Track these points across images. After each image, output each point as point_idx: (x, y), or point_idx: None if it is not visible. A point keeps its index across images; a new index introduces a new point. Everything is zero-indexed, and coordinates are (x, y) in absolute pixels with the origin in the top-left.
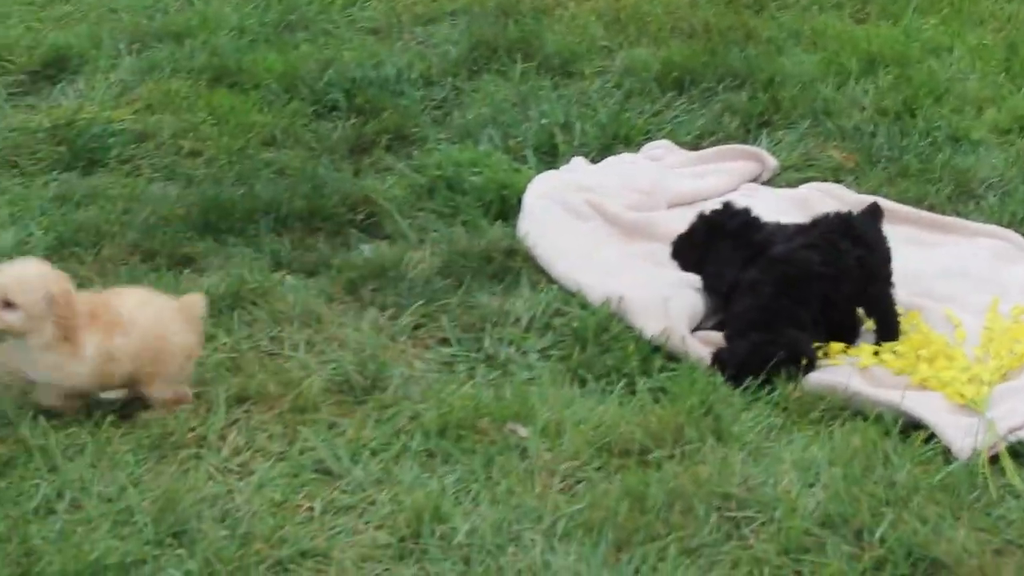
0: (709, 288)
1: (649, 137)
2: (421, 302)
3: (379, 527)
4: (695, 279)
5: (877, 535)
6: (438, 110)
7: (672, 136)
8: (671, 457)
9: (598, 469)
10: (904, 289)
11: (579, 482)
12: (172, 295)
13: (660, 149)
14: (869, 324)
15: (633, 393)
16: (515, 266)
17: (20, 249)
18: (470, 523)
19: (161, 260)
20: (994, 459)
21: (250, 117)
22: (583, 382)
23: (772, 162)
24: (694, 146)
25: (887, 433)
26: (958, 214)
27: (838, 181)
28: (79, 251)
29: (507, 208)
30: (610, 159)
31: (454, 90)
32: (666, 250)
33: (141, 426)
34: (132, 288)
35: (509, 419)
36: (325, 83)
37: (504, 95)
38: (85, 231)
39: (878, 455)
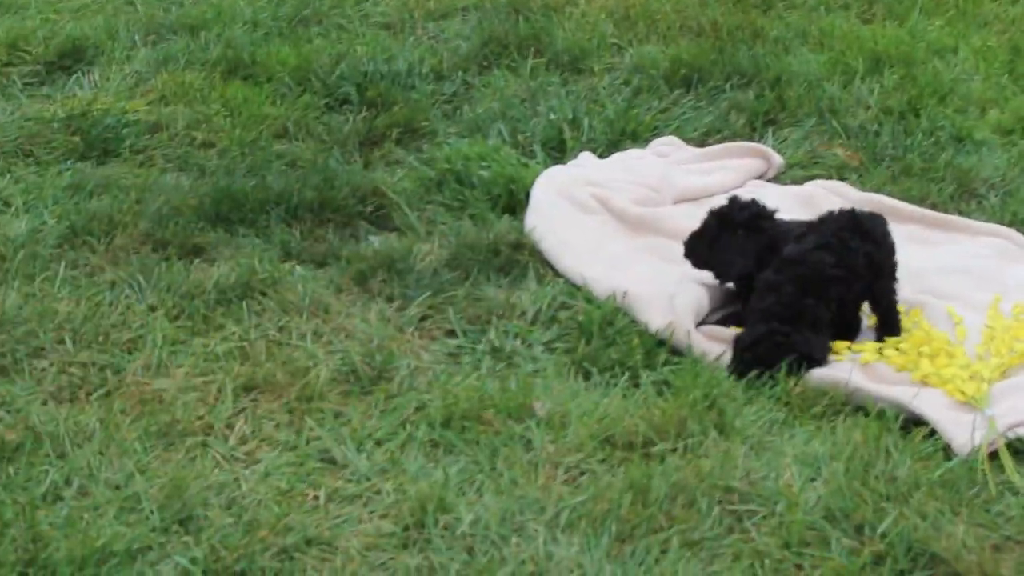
0: (720, 275)
1: (657, 133)
2: (428, 294)
3: (384, 516)
4: (701, 274)
5: (878, 530)
6: (448, 104)
7: (679, 133)
8: (674, 450)
9: (602, 461)
10: (906, 286)
11: (583, 474)
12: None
13: (667, 146)
14: (872, 320)
15: (637, 386)
16: (522, 259)
17: (33, 237)
18: (474, 513)
19: (172, 250)
20: (993, 456)
21: (263, 109)
22: (587, 375)
23: (778, 160)
24: (701, 143)
25: (888, 429)
26: (960, 213)
27: (842, 179)
28: (91, 240)
29: (515, 202)
30: (617, 155)
31: (464, 85)
32: (672, 245)
33: (149, 413)
34: None
35: (513, 410)
36: (337, 77)
37: (513, 90)
38: (98, 220)
39: (879, 450)
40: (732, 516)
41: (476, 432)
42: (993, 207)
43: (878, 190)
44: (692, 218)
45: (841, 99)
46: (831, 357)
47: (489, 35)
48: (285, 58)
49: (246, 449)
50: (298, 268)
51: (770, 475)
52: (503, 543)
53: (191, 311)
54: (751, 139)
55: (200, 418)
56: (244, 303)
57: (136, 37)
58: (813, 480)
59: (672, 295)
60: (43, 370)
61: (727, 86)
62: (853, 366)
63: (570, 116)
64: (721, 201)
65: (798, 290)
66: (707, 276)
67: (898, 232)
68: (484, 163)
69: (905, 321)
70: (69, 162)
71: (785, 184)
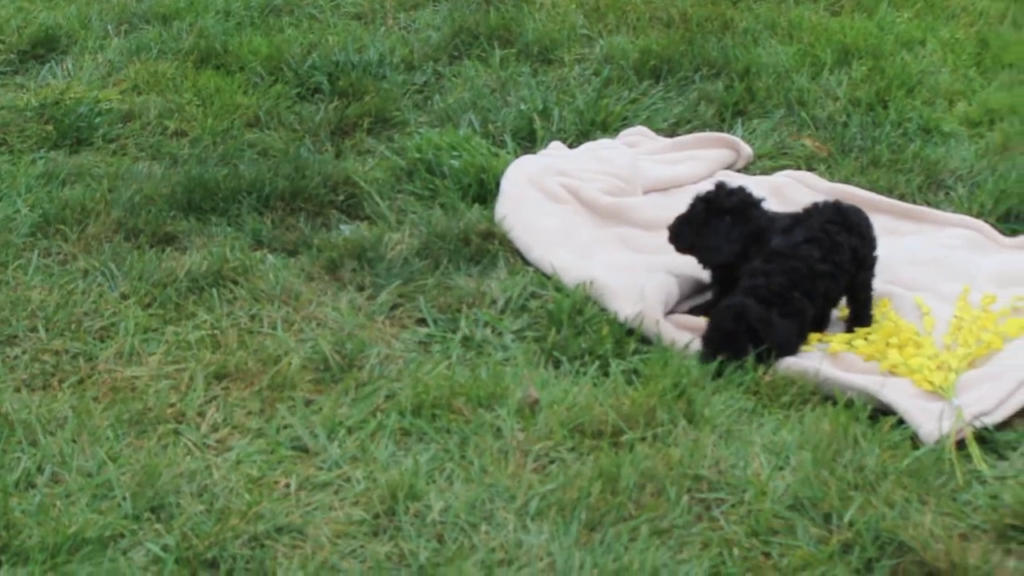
0: (703, 261)
1: (626, 124)
2: (399, 282)
3: (354, 504)
4: (671, 263)
5: (846, 519)
6: (419, 94)
7: (649, 123)
8: (643, 439)
9: (571, 450)
10: (876, 277)
11: (552, 462)
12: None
13: (637, 136)
14: (843, 312)
15: (607, 375)
16: (492, 249)
17: (6, 225)
18: (444, 501)
19: (144, 238)
20: (961, 445)
21: (235, 99)
22: (557, 364)
23: (747, 150)
24: (670, 133)
25: (856, 418)
26: (928, 204)
27: (811, 170)
28: (64, 228)
29: (485, 191)
30: (587, 145)
31: (435, 75)
32: (642, 235)
33: (121, 401)
34: None
35: (484, 399)
36: (309, 66)
37: (484, 81)
38: (71, 209)
39: (847, 440)
40: (701, 504)
41: (446, 420)
42: (961, 198)
43: (846, 181)
44: (662, 208)
45: (810, 90)
46: (801, 348)
47: (460, 25)
48: (257, 48)
49: (218, 437)
50: (269, 256)
51: (739, 464)
52: (473, 531)
53: (163, 299)
54: (720, 130)
55: (172, 406)
56: (216, 291)
57: (109, 26)
58: (781, 469)
59: (642, 284)
60: (15, 358)
61: (696, 77)
62: (822, 356)
63: (540, 106)
64: (707, 186)
65: (787, 282)
66: (677, 265)
67: None
68: (455, 153)
69: (875, 312)
70: (42, 151)
71: (754, 175)
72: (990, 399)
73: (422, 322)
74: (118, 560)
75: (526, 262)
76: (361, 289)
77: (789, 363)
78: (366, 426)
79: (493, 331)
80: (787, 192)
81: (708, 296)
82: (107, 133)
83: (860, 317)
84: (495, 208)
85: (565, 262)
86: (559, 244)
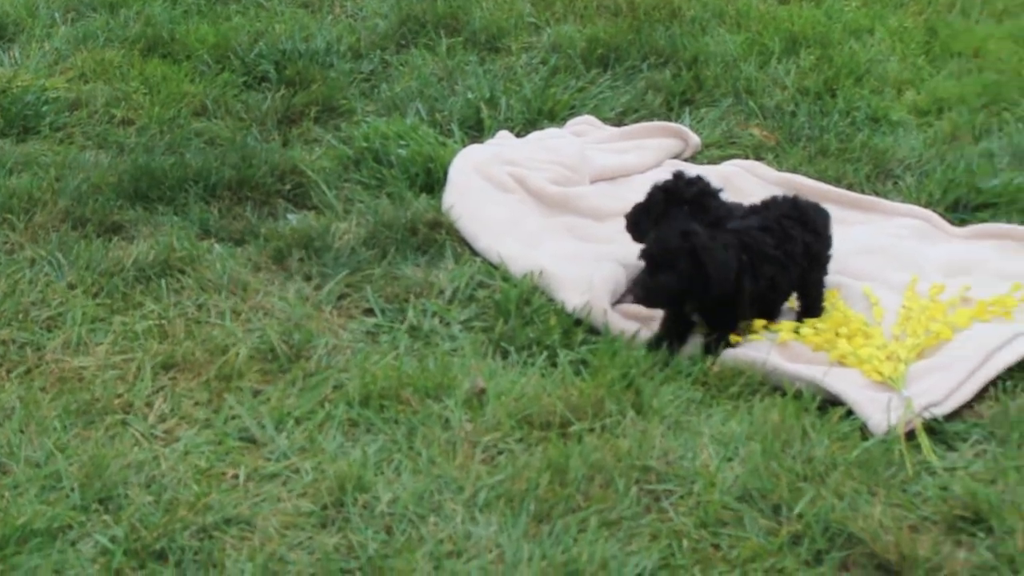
0: None
1: (574, 113)
2: (346, 272)
3: (302, 495)
4: (618, 253)
5: (795, 510)
6: (366, 83)
7: (596, 112)
8: (592, 430)
9: (519, 441)
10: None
11: (500, 453)
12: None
13: (584, 125)
14: (792, 303)
15: (555, 366)
16: (439, 238)
17: None
18: (392, 492)
19: (92, 227)
20: (910, 436)
21: (182, 87)
22: (505, 354)
23: (694, 139)
24: (618, 122)
25: (805, 409)
26: (876, 194)
27: (759, 159)
28: (11, 218)
29: (432, 181)
30: (535, 134)
31: (382, 63)
32: (589, 224)
33: (69, 391)
34: None
35: (431, 389)
36: (256, 55)
37: (431, 69)
38: (18, 198)
39: (796, 430)
40: (649, 496)
41: (394, 411)
42: (909, 188)
43: (794, 170)
44: (609, 197)
45: (758, 79)
46: (749, 337)
47: (407, 14)
48: (204, 36)
49: (165, 427)
50: (216, 246)
51: (687, 455)
52: (421, 522)
53: (110, 289)
54: (668, 119)
55: (119, 396)
56: (163, 281)
57: (56, 14)
58: (730, 460)
59: (589, 274)
60: None
61: (644, 66)
62: (770, 346)
63: (487, 95)
64: (664, 176)
65: (738, 249)
66: (625, 255)
67: None
68: (402, 142)
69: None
70: None
71: (702, 164)
72: (940, 390)
73: (369, 312)
74: (67, 552)
75: (474, 252)
76: (308, 279)
77: (737, 353)
78: (314, 417)
79: (441, 321)
80: (735, 181)
81: None
82: (54, 122)
83: (808, 312)
84: (442, 197)
85: (512, 252)
86: (506, 233)
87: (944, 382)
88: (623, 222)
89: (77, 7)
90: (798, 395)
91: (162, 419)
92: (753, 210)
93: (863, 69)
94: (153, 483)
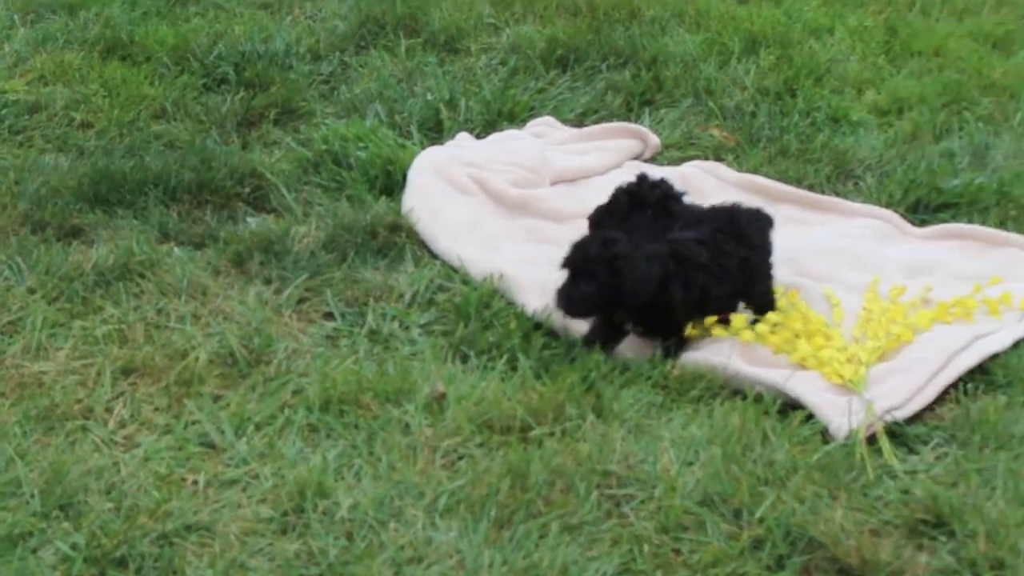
0: None
1: (533, 114)
2: (306, 276)
3: (262, 501)
4: None
5: (756, 514)
6: (325, 85)
7: (556, 113)
8: (552, 434)
9: (480, 446)
10: (783, 268)
11: (461, 458)
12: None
13: (544, 126)
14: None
15: (515, 370)
16: (399, 241)
17: None
18: (352, 498)
19: (51, 231)
20: (871, 439)
21: (141, 89)
22: (465, 358)
23: (654, 140)
24: (578, 123)
25: (766, 412)
26: (837, 194)
27: (719, 159)
28: None
29: (392, 183)
30: (494, 135)
31: (341, 65)
32: (549, 226)
33: (28, 397)
34: None
35: (391, 394)
36: (215, 57)
37: (391, 71)
38: None
39: (757, 434)
40: (610, 500)
41: (354, 416)
42: (870, 188)
43: (755, 171)
44: (570, 199)
45: (717, 80)
46: (709, 336)
47: (366, 15)
48: (163, 38)
49: (125, 433)
50: (176, 250)
51: (648, 459)
52: (382, 528)
53: (70, 293)
54: (628, 119)
55: (79, 401)
56: (123, 285)
57: (15, 16)
58: (691, 464)
59: (549, 277)
60: None
61: (604, 66)
62: (731, 348)
63: (447, 97)
64: (628, 178)
65: (670, 254)
66: None
67: (775, 213)
68: (361, 144)
69: (782, 302)
70: None
71: (662, 165)
72: (900, 393)
73: (329, 316)
74: (27, 559)
75: (433, 255)
76: (268, 283)
77: (697, 356)
78: (274, 422)
79: (400, 325)
80: (695, 183)
81: None
82: (13, 125)
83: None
84: (402, 200)
85: (472, 255)
86: (466, 236)
87: (905, 385)
88: (584, 224)
89: (36, 9)
90: (759, 399)
91: (122, 425)
92: (698, 219)
93: (823, 69)
94: (113, 489)
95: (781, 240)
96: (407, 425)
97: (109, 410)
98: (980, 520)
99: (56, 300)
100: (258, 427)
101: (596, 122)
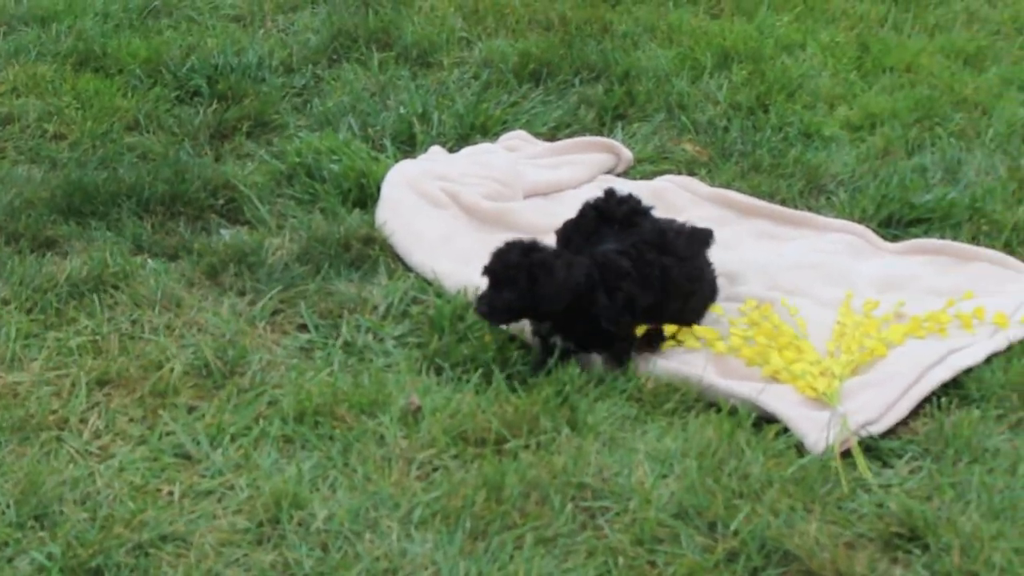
0: None
1: (506, 128)
2: (280, 288)
3: (238, 512)
4: None
5: (731, 527)
6: (298, 98)
7: (529, 127)
8: (527, 447)
9: (455, 458)
10: (756, 282)
11: (436, 470)
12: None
13: (516, 140)
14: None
15: (489, 382)
16: (373, 254)
17: None
18: (328, 509)
19: (25, 243)
20: (846, 453)
21: (114, 101)
22: (439, 371)
23: (627, 154)
24: (550, 137)
25: (740, 425)
26: (809, 209)
27: (692, 174)
28: None
29: (365, 196)
30: (467, 149)
31: (314, 78)
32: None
33: (3, 408)
34: None
35: (366, 406)
36: (188, 69)
37: (363, 84)
38: None
39: (732, 447)
40: (585, 513)
41: (329, 427)
42: (842, 203)
43: (727, 186)
44: (543, 212)
45: (690, 94)
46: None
47: (339, 28)
48: (136, 50)
49: (100, 444)
50: (150, 261)
51: (623, 472)
52: (357, 539)
53: (44, 304)
54: (600, 134)
55: (54, 412)
56: (97, 297)
57: None
58: (665, 477)
59: None
60: None
61: (576, 80)
62: (705, 361)
63: (420, 110)
64: (596, 193)
65: (595, 264)
66: None
67: (747, 228)
68: (335, 157)
69: (754, 315)
70: None
71: (635, 179)
72: (875, 407)
73: (303, 328)
74: (3, 569)
75: (407, 267)
76: (242, 294)
77: (672, 368)
78: (249, 433)
79: (375, 337)
80: (668, 197)
81: None
82: None
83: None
84: (375, 213)
85: (446, 268)
86: (440, 250)
87: (879, 399)
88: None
89: (8, 21)
90: (733, 412)
91: (97, 435)
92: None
93: (795, 84)
94: (88, 500)
95: (753, 254)
96: (382, 437)
97: (84, 421)
98: (954, 534)
99: (30, 311)
100: (233, 438)
101: (569, 136)
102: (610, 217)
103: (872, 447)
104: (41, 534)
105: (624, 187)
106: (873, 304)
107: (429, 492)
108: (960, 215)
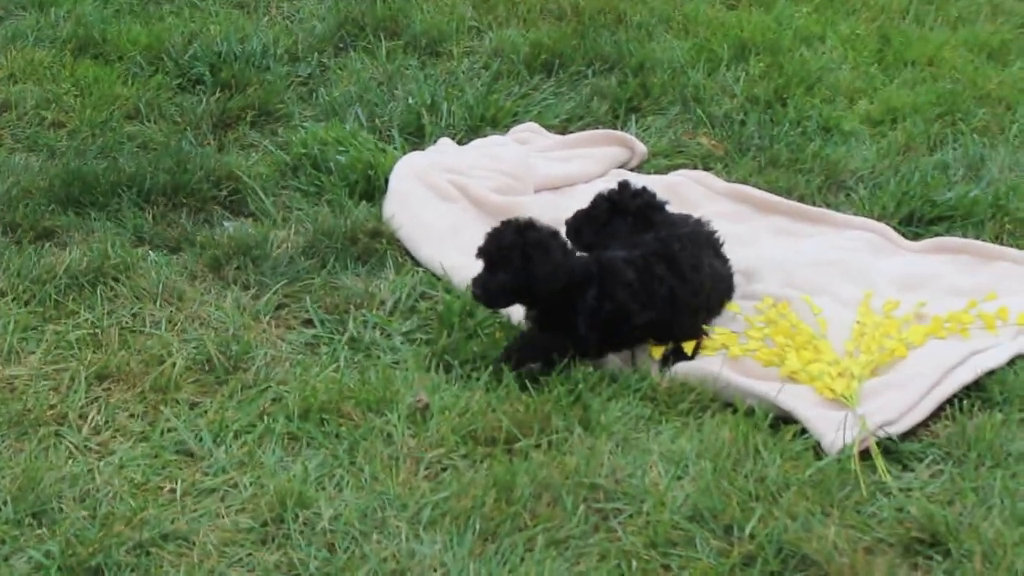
0: None
1: (517, 119)
2: (284, 282)
3: (241, 511)
4: None
5: (747, 530)
6: (303, 87)
7: (540, 119)
8: (538, 447)
9: (464, 457)
10: (773, 280)
11: (444, 470)
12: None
13: (528, 132)
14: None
15: (499, 380)
16: (380, 248)
17: None
18: (334, 509)
19: (23, 233)
20: (864, 455)
21: (114, 89)
22: (448, 368)
23: (641, 148)
24: (562, 130)
25: (757, 426)
26: (828, 205)
27: (707, 169)
28: None
29: (372, 188)
30: (477, 141)
31: (320, 67)
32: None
33: (1, 402)
34: None
35: (373, 403)
36: (190, 56)
37: (371, 74)
38: None
39: (748, 449)
40: (598, 515)
41: (335, 425)
42: (862, 200)
43: (744, 181)
44: (553, 207)
45: (706, 87)
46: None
47: (345, 16)
48: (137, 36)
49: (100, 440)
50: (151, 254)
51: (636, 473)
52: (364, 540)
53: (43, 297)
54: (614, 126)
55: (53, 407)
56: (97, 289)
57: None
58: (680, 478)
59: None
60: None
61: (589, 72)
62: (722, 361)
63: (428, 101)
64: (610, 185)
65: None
66: None
67: (764, 224)
68: (341, 148)
69: (771, 312)
70: None
71: (649, 174)
72: (894, 408)
73: (309, 323)
74: (0, 567)
75: (415, 262)
76: (246, 288)
77: (688, 368)
78: (253, 430)
79: (382, 333)
80: (683, 192)
81: None
82: None
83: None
84: (383, 206)
85: (455, 262)
86: (449, 243)
87: (899, 400)
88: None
89: (6, 6)
90: (750, 412)
91: (96, 431)
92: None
93: (814, 77)
94: (88, 497)
95: (770, 251)
96: (389, 435)
97: (83, 416)
98: (976, 539)
99: (28, 303)
100: (236, 435)
101: (581, 129)
102: (623, 209)
103: (892, 450)
104: (39, 532)
105: (638, 182)
106: (893, 304)
107: (438, 492)
108: (983, 213)
